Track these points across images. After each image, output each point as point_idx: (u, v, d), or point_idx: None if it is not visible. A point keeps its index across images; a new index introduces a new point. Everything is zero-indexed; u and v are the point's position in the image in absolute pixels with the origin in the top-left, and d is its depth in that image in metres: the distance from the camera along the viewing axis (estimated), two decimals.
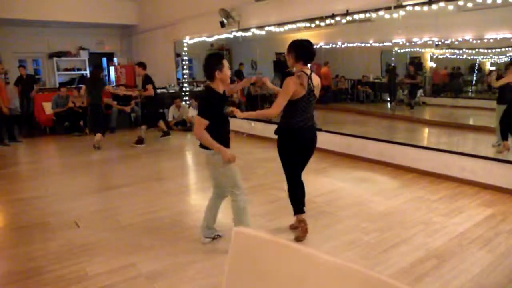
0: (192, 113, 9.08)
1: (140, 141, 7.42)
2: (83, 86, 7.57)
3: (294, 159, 3.25)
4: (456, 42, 6.48)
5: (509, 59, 6.19)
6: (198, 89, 10.75)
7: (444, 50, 6.97)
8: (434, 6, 4.75)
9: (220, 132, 2.96)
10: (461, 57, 6.89)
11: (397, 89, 7.81)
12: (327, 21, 6.08)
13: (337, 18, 5.87)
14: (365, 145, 5.93)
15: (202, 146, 2.97)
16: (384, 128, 7.89)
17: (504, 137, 4.94)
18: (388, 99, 8.46)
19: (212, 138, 2.87)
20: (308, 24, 6.48)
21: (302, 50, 3.14)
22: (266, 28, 7.28)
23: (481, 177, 4.60)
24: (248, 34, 7.83)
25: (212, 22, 8.14)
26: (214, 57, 2.99)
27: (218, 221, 3.79)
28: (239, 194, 3.02)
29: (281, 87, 3.16)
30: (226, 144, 3.00)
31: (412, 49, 7.43)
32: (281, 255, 1.10)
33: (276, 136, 3.29)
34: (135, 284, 2.67)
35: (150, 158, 6.64)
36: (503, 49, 6.18)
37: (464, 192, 4.47)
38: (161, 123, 7.96)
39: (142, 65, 7.24)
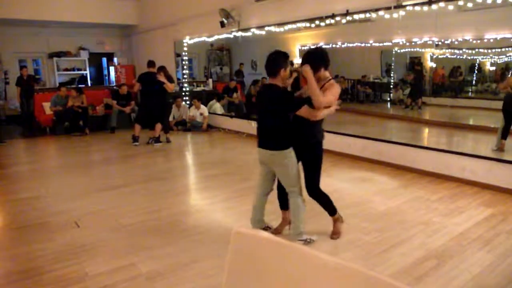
0: (193, 113, 9.07)
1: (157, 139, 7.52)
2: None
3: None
4: (456, 42, 6.48)
5: (510, 59, 6.21)
6: (198, 89, 10.74)
7: (444, 50, 6.97)
8: (434, 6, 4.74)
9: (290, 127, 3.04)
10: (461, 57, 6.89)
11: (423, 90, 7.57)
12: (327, 21, 6.08)
13: (337, 18, 5.87)
14: (365, 145, 5.93)
15: (276, 147, 3.01)
16: (384, 128, 7.89)
17: None
18: (388, 99, 8.45)
19: (287, 132, 3.01)
20: (308, 24, 6.47)
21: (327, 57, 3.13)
22: (266, 28, 7.28)
23: (481, 177, 4.60)
24: (248, 34, 7.82)
25: (212, 22, 8.14)
26: (282, 54, 3.00)
27: (219, 221, 3.81)
28: (297, 191, 3.12)
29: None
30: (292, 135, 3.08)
31: (412, 49, 7.43)
32: (281, 255, 1.10)
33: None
34: (135, 284, 2.67)
35: (150, 158, 6.64)
36: (503, 49, 6.18)
37: (464, 192, 4.47)
38: (136, 126, 7.53)
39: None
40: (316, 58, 3.03)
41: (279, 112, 2.99)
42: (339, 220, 3.37)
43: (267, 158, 3.11)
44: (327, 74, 3.10)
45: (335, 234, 3.34)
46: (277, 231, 3.44)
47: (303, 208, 3.18)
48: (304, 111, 2.94)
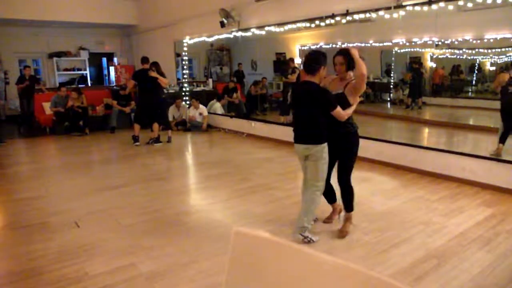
0: (193, 113, 9.07)
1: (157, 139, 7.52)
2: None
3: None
4: (456, 42, 6.48)
5: (510, 59, 6.19)
6: (198, 89, 10.74)
7: (444, 50, 6.98)
8: (434, 6, 4.74)
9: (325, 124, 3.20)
10: (461, 57, 6.89)
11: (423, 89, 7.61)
12: (327, 21, 6.08)
13: (337, 18, 5.87)
14: (365, 145, 5.91)
15: (311, 142, 3.15)
16: (384, 128, 7.89)
17: None
18: (388, 99, 8.45)
19: (324, 127, 3.16)
20: (308, 24, 6.48)
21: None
22: (266, 28, 7.28)
23: (481, 177, 4.59)
24: (248, 34, 7.83)
25: (212, 22, 8.14)
26: (321, 54, 3.17)
27: (219, 221, 3.81)
28: (319, 188, 3.25)
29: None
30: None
31: (412, 49, 7.44)
32: (281, 255, 1.10)
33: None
34: (135, 284, 2.67)
35: (150, 158, 6.64)
36: (503, 49, 6.18)
37: (464, 192, 4.47)
38: (135, 126, 7.51)
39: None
40: (313, 60, 3.18)
41: (319, 109, 3.12)
42: (350, 220, 3.45)
43: (304, 152, 3.23)
44: (351, 74, 3.29)
45: (342, 233, 3.37)
46: (329, 220, 3.63)
47: (318, 205, 3.29)
48: (337, 112, 3.11)
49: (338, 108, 3.11)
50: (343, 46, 7.82)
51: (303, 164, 3.37)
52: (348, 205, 3.43)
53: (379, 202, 4.19)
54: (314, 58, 3.14)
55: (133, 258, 3.02)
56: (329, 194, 3.55)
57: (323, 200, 3.57)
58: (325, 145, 3.18)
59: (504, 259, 2.93)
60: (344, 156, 3.35)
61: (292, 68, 7.90)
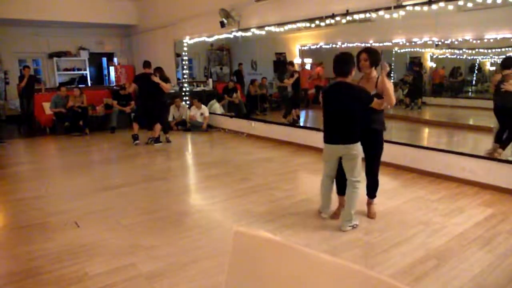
0: (194, 112, 9.07)
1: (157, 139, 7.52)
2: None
3: None
4: (456, 42, 6.48)
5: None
6: (198, 89, 10.74)
7: (444, 50, 6.97)
8: (434, 6, 4.75)
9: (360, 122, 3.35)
10: (461, 57, 6.89)
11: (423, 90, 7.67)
12: (327, 21, 6.08)
13: (337, 18, 5.88)
14: None
15: (351, 141, 3.30)
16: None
17: None
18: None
19: (359, 126, 3.33)
20: (308, 24, 6.48)
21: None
22: (266, 28, 7.28)
23: (481, 177, 4.59)
24: (248, 34, 7.83)
25: (212, 22, 8.14)
26: (351, 56, 3.31)
27: (219, 221, 3.81)
28: (360, 181, 3.44)
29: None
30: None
31: (412, 49, 7.43)
32: (281, 255, 1.10)
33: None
34: (135, 284, 2.67)
35: (150, 158, 6.64)
36: (503, 49, 6.18)
37: (464, 192, 4.47)
38: (134, 125, 7.62)
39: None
40: (346, 62, 3.31)
41: (359, 108, 3.28)
42: (372, 204, 3.79)
43: (340, 152, 3.38)
44: (375, 72, 3.50)
45: (373, 214, 3.73)
46: (336, 216, 3.71)
47: (359, 196, 3.49)
48: (375, 103, 3.31)
49: (375, 99, 3.31)
50: (343, 46, 7.85)
51: (329, 163, 3.52)
52: (372, 194, 3.75)
53: (379, 202, 4.18)
54: (345, 61, 3.26)
55: (133, 258, 3.02)
56: (341, 185, 3.70)
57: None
58: (359, 142, 3.36)
59: (504, 259, 2.93)
60: (375, 151, 3.56)
61: (291, 72, 7.87)
